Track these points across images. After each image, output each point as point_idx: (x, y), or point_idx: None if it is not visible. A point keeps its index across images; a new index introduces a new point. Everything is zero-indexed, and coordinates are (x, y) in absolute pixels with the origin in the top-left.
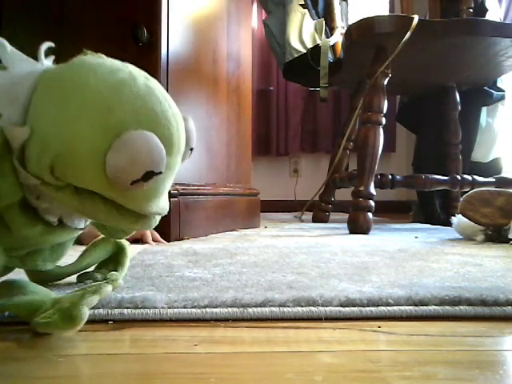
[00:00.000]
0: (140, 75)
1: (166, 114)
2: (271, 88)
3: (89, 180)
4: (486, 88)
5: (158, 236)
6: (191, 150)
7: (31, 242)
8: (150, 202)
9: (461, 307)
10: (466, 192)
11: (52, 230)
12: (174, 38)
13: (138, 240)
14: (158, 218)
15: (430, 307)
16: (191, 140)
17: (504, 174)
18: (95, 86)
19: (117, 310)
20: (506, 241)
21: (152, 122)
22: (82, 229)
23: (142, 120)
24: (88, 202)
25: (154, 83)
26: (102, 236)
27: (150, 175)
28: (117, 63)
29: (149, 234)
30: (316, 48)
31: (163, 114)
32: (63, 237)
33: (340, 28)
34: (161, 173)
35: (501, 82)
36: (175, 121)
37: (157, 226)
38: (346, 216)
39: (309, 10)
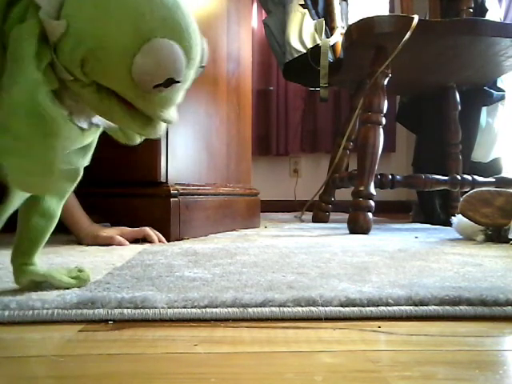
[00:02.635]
0: None
1: (188, 28)
2: (271, 88)
3: (115, 78)
4: (486, 88)
5: (160, 236)
6: (202, 67)
7: None
8: (163, 108)
9: (461, 307)
10: (466, 192)
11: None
12: None
13: (138, 240)
14: (163, 127)
15: (429, 307)
16: (204, 58)
17: (504, 174)
18: None
19: (117, 310)
20: (506, 241)
21: (177, 33)
22: (83, 129)
23: (168, 30)
24: (106, 102)
25: None
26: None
27: (170, 82)
28: None
29: (151, 233)
30: (316, 48)
31: (186, 28)
32: (70, 136)
33: (340, 28)
34: (179, 82)
35: (501, 82)
36: (195, 36)
37: (157, 226)
38: (346, 216)
39: (309, 10)
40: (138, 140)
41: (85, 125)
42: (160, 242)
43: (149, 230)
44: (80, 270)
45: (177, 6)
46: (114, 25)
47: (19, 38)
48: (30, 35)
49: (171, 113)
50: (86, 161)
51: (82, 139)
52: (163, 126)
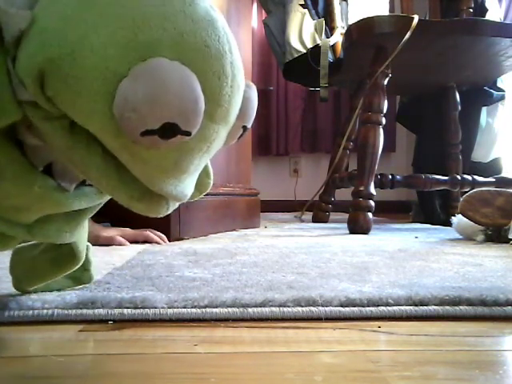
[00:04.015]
0: None
1: (222, 58)
2: (271, 88)
3: (87, 111)
4: (486, 88)
5: (162, 235)
6: (244, 128)
7: (24, 203)
8: (166, 175)
9: (461, 307)
10: (466, 192)
11: (48, 191)
12: None
13: (137, 240)
14: (172, 208)
15: (429, 307)
16: (248, 114)
17: (504, 174)
18: None
19: (117, 310)
20: (506, 241)
21: (199, 58)
22: (67, 191)
23: (185, 50)
24: (82, 148)
25: (218, 15)
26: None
27: (171, 130)
28: None
29: (152, 235)
30: (316, 48)
31: (218, 56)
32: (62, 203)
33: (340, 28)
34: (189, 134)
35: (501, 82)
36: (232, 73)
37: (157, 226)
38: (346, 216)
39: (309, 10)
40: (164, 211)
41: (68, 185)
42: (163, 241)
43: (150, 233)
44: (86, 269)
45: (209, 21)
46: (97, 28)
47: None
48: None
49: (184, 185)
50: (75, 236)
51: (63, 204)
52: (172, 205)
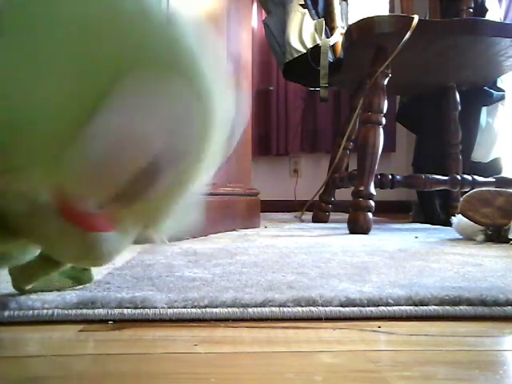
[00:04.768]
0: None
1: (195, 61)
2: (271, 88)
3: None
4: (486, 88)
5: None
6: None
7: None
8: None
9: (461, 307)
10: (466, 192)
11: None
12: None
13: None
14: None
15: (430, 307)
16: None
17: (504, 174)
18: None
19: (117, 310)
20: (506, 241)
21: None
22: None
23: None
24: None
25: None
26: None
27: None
28: None
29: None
30: (316, 48)
31: (193, 59)
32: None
33: (340, 28)
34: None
35: (501, 82)
36: (211, 78)
37: None
38: (346, 216)
39: (309, 10)
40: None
41: None
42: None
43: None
44: (85, 269)
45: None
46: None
47: None
48: None
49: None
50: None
51: None
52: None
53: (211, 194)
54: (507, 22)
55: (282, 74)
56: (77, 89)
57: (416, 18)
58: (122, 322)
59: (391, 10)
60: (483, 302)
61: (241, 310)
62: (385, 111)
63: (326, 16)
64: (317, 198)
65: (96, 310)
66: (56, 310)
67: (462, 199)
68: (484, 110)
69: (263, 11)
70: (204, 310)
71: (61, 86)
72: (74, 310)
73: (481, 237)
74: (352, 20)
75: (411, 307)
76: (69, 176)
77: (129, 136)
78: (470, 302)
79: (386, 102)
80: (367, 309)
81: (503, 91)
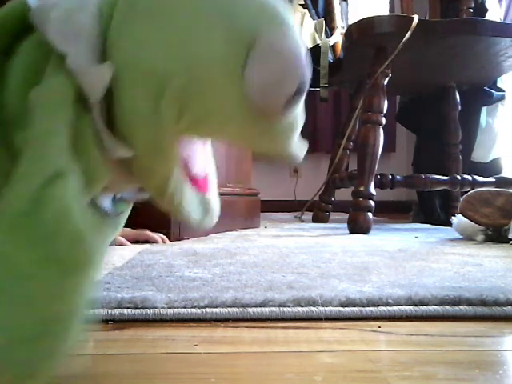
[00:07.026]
0: None
1: (285, 12)
2: None
3: (221, 116)
4: (486, 88)
5: (163, 236)
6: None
7: None
8: (290, 139)
9: (461, 307)
10: (466, 192)
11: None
12: None
13: (138, 240)
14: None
15: (429, 307)
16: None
17: (504, 174)
18: None
19: (117, 310)
20: (506, 241)
21: (282, 21)
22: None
23: (273, 21)
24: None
25: None
26: None
27: (302, 88)
28: None
29: (153, 234)
30: (316, 48)
31: (285, 11)
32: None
33: (340, 28)
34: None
35: (501, 82)
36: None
37: (157, 226)
38: (346, 216)
39: (309, 10)
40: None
41: (108, 204)
42: (163, 241)
43: (150, 233)
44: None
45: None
46: (198, 40)
47: (40, 112)
48: (58, 102)
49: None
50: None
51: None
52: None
53: None
54: (507, 21)
55: None
56: (225, 39)
57: (416, 18)
58: (122, 322)
59: (391, 10)
60: (483, 302)
61: (241, 309)
62: (385, 111)
63: (326, 16)
64: (317, 198)
65: (96, 310)
66: None
67: (462, 199)
68: (484, 110)
69: None
70: (204, 310)
71: (210, 39)
72: None
73: (481, 237)
74: (352, 20)
75: (411, 307)
76: (251, 87)
77: (285, 56)
78: (469, 302)
79: (386, 102)
80: (367, 309)
81: (503, 91)
